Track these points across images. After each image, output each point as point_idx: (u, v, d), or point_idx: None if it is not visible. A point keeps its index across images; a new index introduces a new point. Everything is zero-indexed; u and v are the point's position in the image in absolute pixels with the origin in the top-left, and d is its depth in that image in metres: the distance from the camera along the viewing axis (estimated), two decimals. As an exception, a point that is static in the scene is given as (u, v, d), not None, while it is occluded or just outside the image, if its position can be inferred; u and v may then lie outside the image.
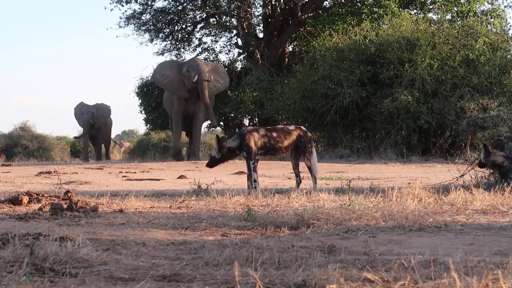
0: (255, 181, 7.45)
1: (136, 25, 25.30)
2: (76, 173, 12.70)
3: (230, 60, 26.95)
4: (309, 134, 7.77)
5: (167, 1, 25.83)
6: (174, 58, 25.81)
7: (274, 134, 7.53)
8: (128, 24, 25.30)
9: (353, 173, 12.08)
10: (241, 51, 26.30)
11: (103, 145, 25.55)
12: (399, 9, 22.73)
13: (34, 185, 9.49)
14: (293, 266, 2.97)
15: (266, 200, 6.31)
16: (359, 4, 24.44)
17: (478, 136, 17.66)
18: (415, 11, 23.89)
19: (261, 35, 25.98)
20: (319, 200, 6.07)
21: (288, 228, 4.46)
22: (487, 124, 16.82)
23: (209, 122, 25.50)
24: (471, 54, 18.49)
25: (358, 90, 18.78)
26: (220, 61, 27.09)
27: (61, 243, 3.28)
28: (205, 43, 27.02)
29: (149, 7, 25.33)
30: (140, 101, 27.36)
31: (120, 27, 25.50)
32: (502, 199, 5.89)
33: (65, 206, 5.64)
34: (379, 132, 18.74)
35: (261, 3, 25.37)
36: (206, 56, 26.60)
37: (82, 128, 23.92)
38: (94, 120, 23.22)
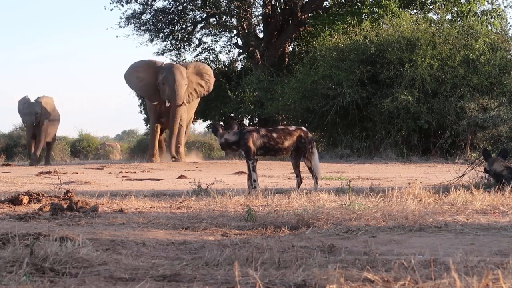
0: (254, 181, 7.45)
1: (136, 25, 25.33)
2: (76, 173, 12.71)
3: (230, 60, 26.97)
4: (310, 134, 7.77)
5: (167, 1, 25.89)
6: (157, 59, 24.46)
7: (275, 135, 7.53)
8: (128, 24, 25.34)
9: (353, 173, 12.08)
10: (241, 51, 26.31)
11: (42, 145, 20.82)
12: (399, 9, 22.74)
13: (34, 185, 9.49)
14: (293, 266, 2.97)
15: (266, 200, 6.31)
16: (359, 4, 24.45)
17: (478, 136, 17.68)
18: (415, 11, 23.90)
19: (261, 35, 25.99)
20: (319, 200, 6.07)
21: (288, 228, 4.46)
22: (487, 124, 16.82)
23: (209, 122, 25.51)
24: (471, 54, 18.49)
25: (358, 90, 18.78)
26: (220, 61, 27.09)
27: (61, 243, 3.28)
28: (205, 43, 27.04)
29: (149, 7, 25.35)
30: (140, 101, 27.37)
31: (120, 27, 25.55)
32: (502, 199, 5.89)
33: (65, 206, 5.64)
34: (379, 132, 18.74)
35: (261, 3, 25.39)
36: (206, 56, 26.63)
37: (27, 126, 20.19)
38: (39, 119, 19.66)
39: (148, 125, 28.11)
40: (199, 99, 18.65)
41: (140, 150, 27.38)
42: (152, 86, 17.05)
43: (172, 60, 25.82)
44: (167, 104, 16.56)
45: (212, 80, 17.85)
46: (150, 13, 25.36)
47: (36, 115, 19.52)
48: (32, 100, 19.86)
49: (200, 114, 25.36)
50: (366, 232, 4.18)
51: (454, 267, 2.57)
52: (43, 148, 20.39)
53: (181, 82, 16.70)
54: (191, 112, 18.69)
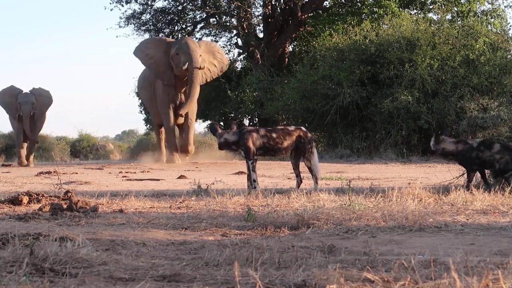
0: (254, 181, 7.45)
1: (136, 25, 25.33)
2: (76, 173, 12.70)
3: (230, 60, 26.95)
4: (309, 134, 7.77)
5: (167, 1, 25.89)
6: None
7: (274, 135, 7.53)
8: (128, 24, 25.33)
9: (353, 173, 12.07)
10: (241, 51, 26.31)
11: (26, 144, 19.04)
12: (399, 9, 22.73)
13: (34, 185, 9.49)
14: (293, 266, 2.97)
15: (266, 200, 6.31)
16: (359, 4, 24.45)
17: (478, 136, 17.67)
18: (415, 11, 23.89)
19: (261, 35, 25.99)
20: (319, 200, 6.07)
21: (288, 228, 4.46)
22: (487, 124, 16.83)
23: (209, 122, 25.47)
24: (471, 54, 18.49)
25: (358, 90, 18.79)
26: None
27: (61, 243, 3.28)
28: (205, 43, 27.02)
29: (149, 7, 25.34)
30: (140, 101, 27.36)
31: (120, 27, 25.53)
32: (502, 199, 5.89)
33: (65, 206, 5.64)
34: (379, 132, 18.74)
35: (261, 3, 25.38)
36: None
37: (11, 122, 18.90)
38: (33, 111, 18.09)
39: (148, 125, 28.13)
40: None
41: (140, 150, 27.36)
42: (163, 65, 16.23)
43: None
44: (184, 67, 15.68)
45: (225, 59, 17.14)
46: (150, 13, 25.36)
47: (33, 105, 18.00)
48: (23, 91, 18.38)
49: (200, 114, 25.31)
50: (366, 232, 4.18)
51: (454, 267, 2.56)
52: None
53: (195, 49, 15.91)
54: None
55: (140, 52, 16.52)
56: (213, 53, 16.81)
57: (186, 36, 19.00)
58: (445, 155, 7.29)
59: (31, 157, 18.92)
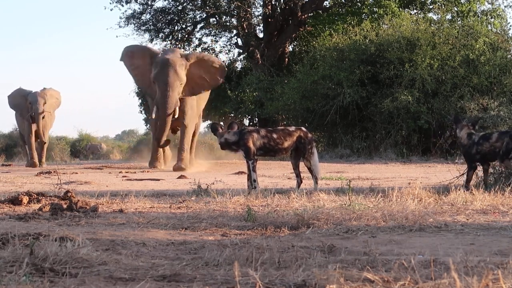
0: (254, 181, 7.46)
1: (136, 25, 25.34)
2: (76, 173, 12.70)
3: (230, 60, 26.96)
4: (309, 135, 7.77)
5: (167, 1, 25.88)
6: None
7: (275, 135, 7.54)
8: (128, 24, 25.34)
9: (353, 173, 12.07)
10: (241, 51, 26.32)
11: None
12: (399, 9, 22.73)
13: (34, 185, 9.49)
14: (293, 266, 2.97)
15: (266, 200, 6.31)
16: (359, 4, 24.45)
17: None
18: (415, 11, 23.90)
19: (261, 35, 25.99)
20: (319, 200, 6.07)
21: (288, 228, 4.46)
22: (487, 124, 16.83)
23: (209, 122, 25.45)
24: (471, 54, 18.49)
25: (358, 90, 18.79)
26: (220, 61, 27.05)
27: (61, 243, 3.28)
28: (205, 43, 27.02)
29: (149, 7, 25.35)
30: (140, 101, 27.36)
31: (120, 27, 25.54)
32: (502, 199, 5.89)
33: (65, 206, 5.64)
34: (379, 132, 18.75)
35: (261, 3, 25.39)
36: (206, 56, 26.52)
37: (20, 123, 18.55)
38: (45, 109, 17.49)
39: (148, 125, 28.12)
40: (209, 92, 16.26)
41: (140, 150, 27.37)
42: (148, 77, 14.28)
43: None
44: (153, 116, 14.05)
45: (220, 73, 14.82)
46: (150, 13, 25.37)
47: (44, 104, 17.31)
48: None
49: (200, 114, 25.35)
50: (366, 232, 4.18)
51: (454, 267, 2.56)
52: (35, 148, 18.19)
53: (173, 84, 13.77)
54: (201, 104, 15.86)
55: (125, 61, 14.86)
56: (205, 67, 14.59)
57: (172, 47, 17.40)
58: (460, 144, 7.26)
59: (43, 158, 18.43)
